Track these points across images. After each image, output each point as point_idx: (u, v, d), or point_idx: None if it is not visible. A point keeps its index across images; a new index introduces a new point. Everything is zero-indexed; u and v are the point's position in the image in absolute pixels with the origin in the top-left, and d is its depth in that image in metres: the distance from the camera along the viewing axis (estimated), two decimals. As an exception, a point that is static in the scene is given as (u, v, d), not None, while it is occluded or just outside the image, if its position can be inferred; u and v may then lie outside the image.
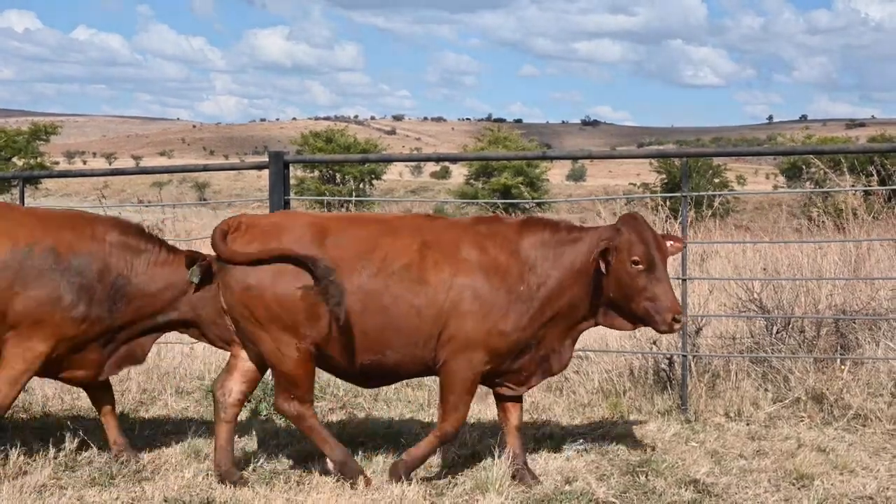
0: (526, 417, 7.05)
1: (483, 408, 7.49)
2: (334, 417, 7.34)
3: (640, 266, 5.41)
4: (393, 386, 8.17)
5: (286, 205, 7.96)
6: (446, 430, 5.57)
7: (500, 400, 5.82)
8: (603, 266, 5.37)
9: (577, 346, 6.87)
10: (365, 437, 6.58)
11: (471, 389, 5.53)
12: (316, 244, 5.43)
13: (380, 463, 5.94)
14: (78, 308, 5.64)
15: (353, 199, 13.03)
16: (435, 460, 6.09)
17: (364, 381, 5.80)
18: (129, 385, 7.98)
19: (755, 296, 8.34)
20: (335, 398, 7.92)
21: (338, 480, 5.54)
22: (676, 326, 5.47)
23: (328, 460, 5.64)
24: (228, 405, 5.72)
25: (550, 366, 5.70)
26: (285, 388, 5.54)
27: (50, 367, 5.80)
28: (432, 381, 8.21)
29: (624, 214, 5.70)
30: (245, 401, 5.85)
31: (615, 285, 5.46)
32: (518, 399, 5.80)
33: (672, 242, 5.65)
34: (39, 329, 5.60)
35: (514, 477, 5.62)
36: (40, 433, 6.53)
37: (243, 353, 5.73)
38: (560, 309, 5.53)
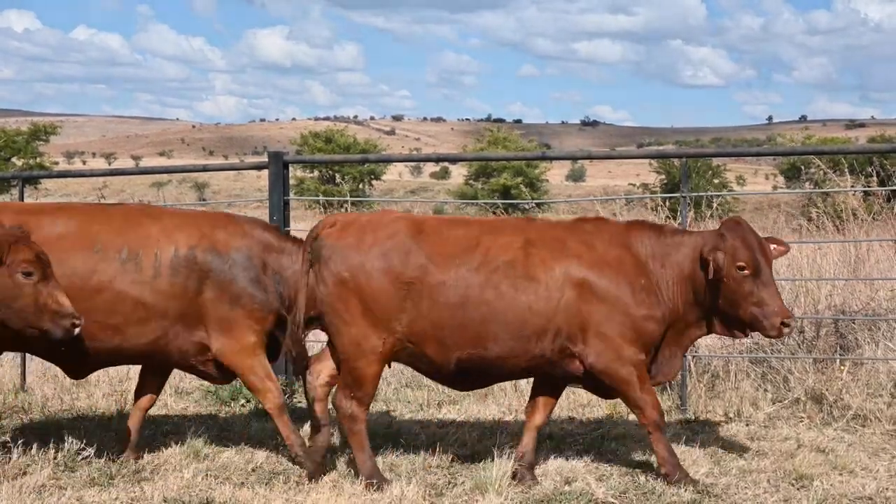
0: (524, 418, 7.06)
1: (482, 408, 7.49)
2: (334, 417, 7.32)
3: (746, 271, 5.39)
4: (392, 386, 8.17)
5: (285, 205, 7.97)
6: (653, 420, 5.58)
7: (535, 395, 5.82)
8: (711, 271, 5.35)
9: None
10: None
11: (641, 379, 5.51)
12: (412, 240, 5.50)
13: (379, 463, 5.93)
14: (256, 299, 5.88)
15: (350, 198, 12.99)
16: (434, 461, 6.10)
17: (460, 380, 5.79)
18: (128, 385, 7.97)
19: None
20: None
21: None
22: (786, 331, 5.44)
23: (358, 467, 5.65)
24: (318, 385, 5.81)
25: (660, 370, 5.69)
26: (349, 386, 5.58)
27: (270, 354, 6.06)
28: (431, 381, 8.21)
29: (727, 219, 5.71)
30: (333, 384, 5.87)
31: (721, 292, 5.44)
32: (553, 399, 5.81)
33: (776, 246, 5.62)
34: (234, 325, 5.85)
35: (514, 476, 5.62)
36: (40, 433, 6.53)
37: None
38: (671, 312, 5.54)
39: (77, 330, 5.38)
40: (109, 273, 5.73)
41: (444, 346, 5.49)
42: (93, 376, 8.00)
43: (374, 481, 5.54)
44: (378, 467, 5.71)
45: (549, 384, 5.80)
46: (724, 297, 5.46)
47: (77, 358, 5.88)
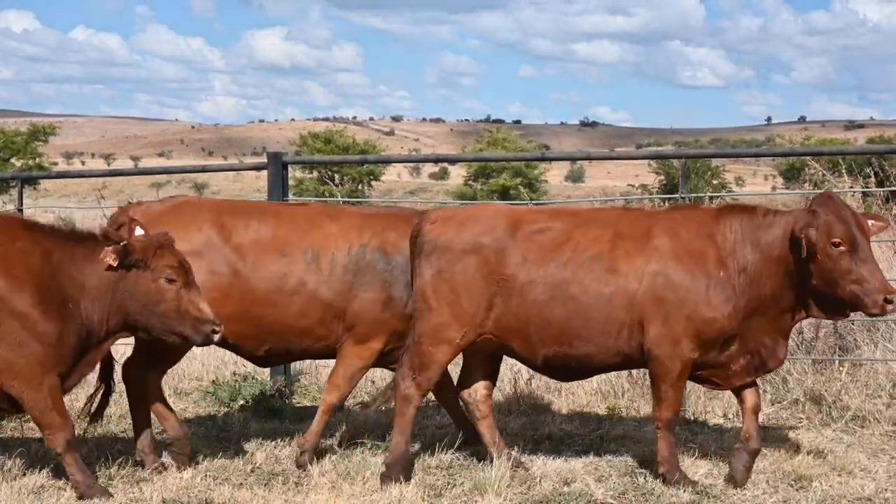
0: (524, 419, 7.07)
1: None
2: (332, 417, 7.31)
3: (842, 247, 5.20)
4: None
5: (285, 206, 7.95)
6: (667, 418, 5.59)
7: (736, 393, 5.76)
8: (804, 249, 5.17)
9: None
10: (364, 437, 6.57)
11: (680, 376, 5.52)
12: (508, 235, 5.56)
13: (378, 464, 5.94)
14: (407, 306, 5.89)
15: (344, 199, 13.00)
16: (433, 461, 6.09)
17: (552, 374, 5.87)
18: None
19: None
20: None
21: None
22: (889, 308, 5.22)
23: (389, 451, 5.75)
24: (479, 403, 5.91)
25: (763, 361, 5.59)
26: (415, 367, 5.66)
27: (381, 361, 6.18)
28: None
29: (819, 195, 5.53)
30: (491, 394, 5.98)
31: (817, 271, 5.25)
32: (754, 385, 5.70)
33: (874, 221, 5.43)
34: (377, 328, 5.94)
35: (734, 465, 5.64)
36: (39, 434, 6.52)
37: (476, 349, 5.80)
38: (762, 298, 5.42)
39: (217, 337, 5.46)
40: (298, 275, 5.86)
41: (530, 343, 5.55)
42: (91, 377, 8.00)
43: (396, 469, 5.58)
44: (410, 457, 5.78)
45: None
46: (820, 277, 5.25)
47: (272, 360, 6.23)
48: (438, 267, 5.61)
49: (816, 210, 5.29)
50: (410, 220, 6.04)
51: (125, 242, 5.34)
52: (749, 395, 5.68)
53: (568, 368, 5.68)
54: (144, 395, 6.03)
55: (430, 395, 7.87)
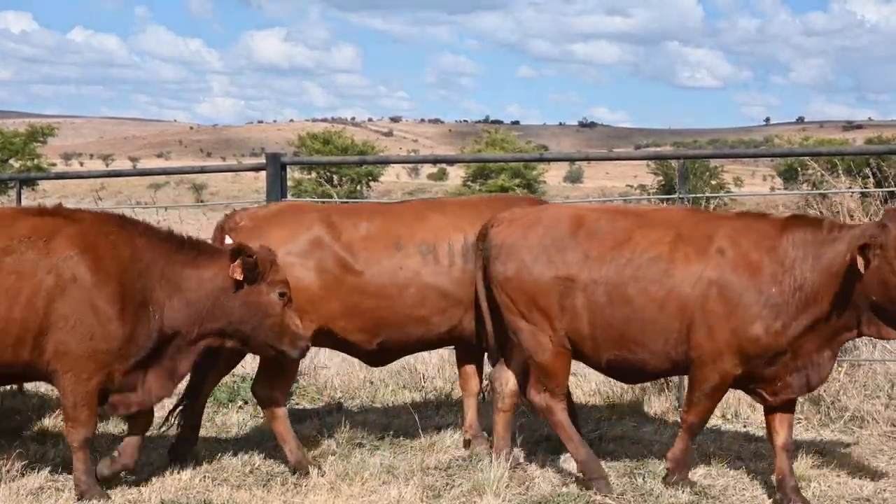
0: (524, 419, 7.06)
1: (481, 410, 7.47)
2: (332, 418, 7.32)
3: None
4: (390, 388, 8.16)
5: (283, 207, 7.95)
6: (691, 422, 5.53)
7: (768, 412, 5.51)
8: (861, 265, 4.91)
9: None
10: (363, 437, 6.57)
11: (717, 388, 5.38)
12: (570, 235, 5.51)
13: (377, 465, 5.94)
14: None
15: (342, 200, 13.00)
16: (433, 461, 6.09)
17: (616, 376, 5.81)
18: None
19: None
20: (332, 399, 7.92)
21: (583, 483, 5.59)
22: None
23: (574, 460, 5.71)
24: (506, 395, 5.91)
25: (808, 379, 5.35)
26: (539, 379, 5.64)
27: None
28: (429, 382, 8.21)
29: (890, 208, 5.35)
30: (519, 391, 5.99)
31: (880, 288, 4.96)
32: (788, 414, 5.46)
33: None
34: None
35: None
36: (38, 435, 6.52)
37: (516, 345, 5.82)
38: (818, 316, 5.17)
39: (306, 353, 5.65)
40: (413, 268, 5.98)
41: (597, 346, 5.48)
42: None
43: (592, 473, 5.55)
44: (595, 457, 5.69)
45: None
46: (883, 295, 4.96)
47: (384, 353, 6.27)
48: (507, 274, 5.58)
49: (887, 224, 5.00)
50: (517, 202, 6.36)
51: (255, 257, 5.41)
52: (781, 431, 5.43)
53: (628, 372, 5.61)
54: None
55: (431, 395, 7.89)
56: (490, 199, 6.65)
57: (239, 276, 5.38)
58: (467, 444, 6.31)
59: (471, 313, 6.05)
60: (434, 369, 8.32)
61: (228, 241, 5.73)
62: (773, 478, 5.47)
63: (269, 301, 5.46)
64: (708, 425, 6.98)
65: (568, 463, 6.04)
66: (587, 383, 7.97)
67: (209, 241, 5.86)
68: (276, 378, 6.01)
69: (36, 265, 5.18)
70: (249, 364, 7.28)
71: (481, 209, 6.20)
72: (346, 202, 13.45)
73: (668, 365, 5.48)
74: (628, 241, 5.42)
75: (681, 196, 7.68)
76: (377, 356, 6.31)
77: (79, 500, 5.36)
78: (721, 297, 5.22)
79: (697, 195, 11.04)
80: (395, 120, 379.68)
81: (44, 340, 5.19)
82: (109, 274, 5.25)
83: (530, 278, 5.52)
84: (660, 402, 7.46)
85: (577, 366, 8.37)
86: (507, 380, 5.93)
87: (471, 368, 6.43)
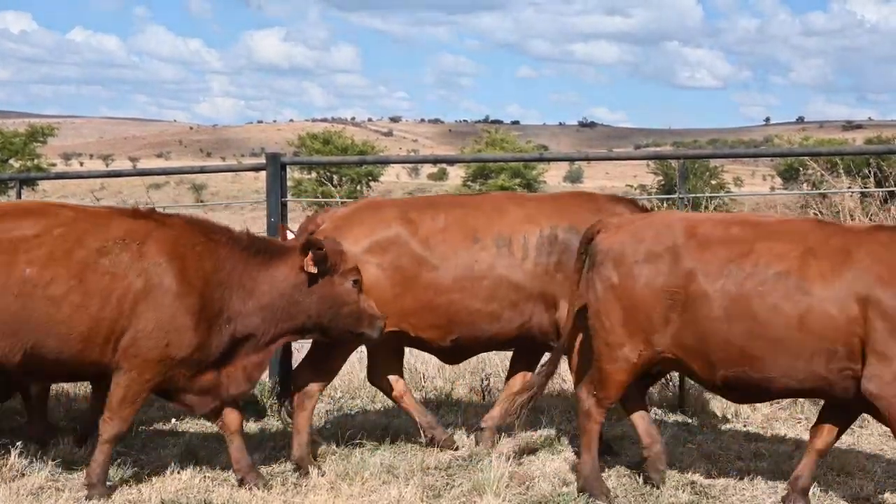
0: (523, 419, 7.06)
1: (480, 410, 7.48)
2: (332, 418, 7.33)
3: None
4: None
5: (283, 207, 7.96)
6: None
7: (822, 419, 5.36)
8: None
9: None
10: (362, 438, 6.57)
11: None
12: (683, 245, 5.23)
13: (377, 465, 5.94)
14: None
15: (342, 200, 13.01)
16: (433, 461, 6.09)
17: (731, 396, 5.49)
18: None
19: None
20: (332, 400, 7.91)
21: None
22: None
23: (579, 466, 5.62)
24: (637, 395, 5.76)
25: None
26: (595, 383, 5.47)
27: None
28: (429, 382, 8.21)
29: None
30: (645, 394, 5.93)
31: None
32: (841, 426, 5.31)
33: None
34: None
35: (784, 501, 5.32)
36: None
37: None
38: None
39: (384, 330, 5.78)
40: (488, 261, 6.01)
41: (709, 363, 5.16)
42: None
43: (592, 487, 5.46)
44: (600, 475, 5.57)
45: (838, 408, 5.28)
46: None
47: (458, 350, 6.28)
48: (611, 281, 5.33)
49: None
50: (597, 198, 6.34)
51: (324, 249, 5.54)
52: (823, 435, 5.31)
53: (748, 391, 5.30)
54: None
55: (431, 395, 7.89)
56: (572, 195, 6.62)
57: (314, 270, 5.54)
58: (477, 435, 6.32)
59: (540, 309, 6.06)
60: (434, 369, 8.33)
61: (290, 235, 5.80)
62: (797, 473, 5.35)
63: (345, 290, 5.63)
64: (707, 426, 7.01)
65: (568, 463, 6.05)
66: (587, 383, 7.96)
67: (277, 240, 5.99)
68: (320, 371, 6.12)
69: (128, 268, 5.30)
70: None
71: (562, 204, 6.23)
72: (346, 201, 13.46)
73: (808, 385, 5.09)
74: (749, 254, 5.10)
75: (680, 196, 7.68)
76: (452, 353, 6.36)
77: (87, 487, 5.41)
78: (882, 314, 4.85)
79: (697, 195, 11.05)
80: (394, 120, 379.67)
81: (122, 340, 5.29)
82: (193, 285, 5.36)
83: (636, 288, 5.24)
84: (660, 402, 7.46)
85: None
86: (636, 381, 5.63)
87: (521, 376, 6.46)
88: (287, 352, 7.15)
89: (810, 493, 5.46)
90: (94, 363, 5.35)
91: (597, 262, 5.42)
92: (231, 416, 5.68)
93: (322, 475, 5.77)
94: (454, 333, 6.10)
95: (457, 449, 6.35)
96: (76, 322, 5.20)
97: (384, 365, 6.52)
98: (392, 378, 6.52)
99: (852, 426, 6.83)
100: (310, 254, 5.53)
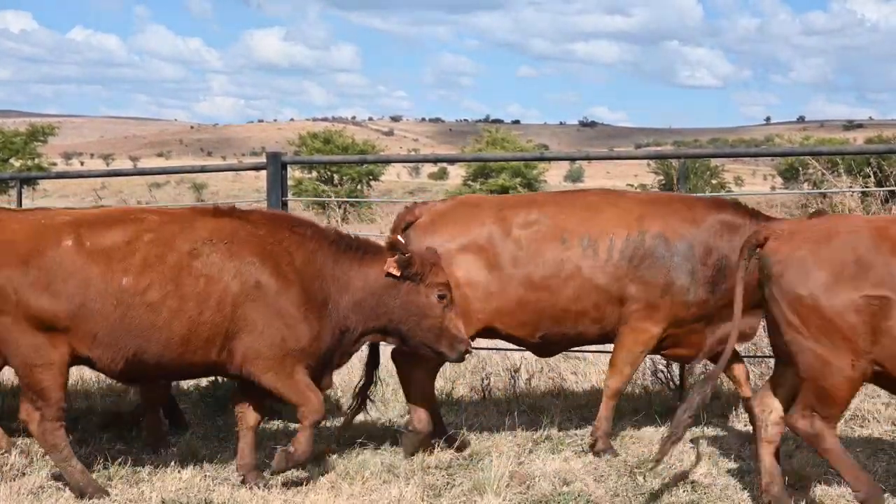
0: (523, 418, 7.06)
1: (480, 410, 7.48)
2: (332, 418, 7.32)
3: None
4: (391, 387, 8.14)
5: (283, 206, 7.97)
6: None
7: None
8: None
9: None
10: (364, 438, 6.57)
11: None
12: (876, 249, 4.84)
13: (378, 464, 5.94)
14: (689, 292, 6.04)
15: (342, 199, 12.99)
16: (433, 461, 6.09)
17: None
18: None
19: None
20: (332, 400, 7.91)
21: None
22: None
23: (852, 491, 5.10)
24: (770, 423, 5.30)
25: None
26: (810, 404, 4.99)
27: (658, 347, 6.29)
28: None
29: None
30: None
31: None
32: None
33: None
34: (654, 313, 6.03)
35: None
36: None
37: (787, 368, 5.22)
38: None
39: (466, 356, 5.83)
40: (574, 261, 6.06)
41: None
42: (88, 377, 8.02)
43: (870, 494, 4.99)
44: (870, 476, 5.16)
45: None
46: None
47: (548, 346, 6.35)
48: (798, 293, 4.90)
49: None
50: (694, 205, 6.25)
51: (409, 255, 5.56)
52: None
53: None
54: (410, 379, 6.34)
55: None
56: (671, 198, 6.53)
57: (395, 272, 5.55)
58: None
59: (618, 312, 6.10)
60: (434, 369, 8.31)
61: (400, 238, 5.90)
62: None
63: (428, 302, 5.61)
64: (708, 425, 7.01)
65: (568, 462, 6.05)
66: (587, 382, 7.97)
67: (371, 240, 6.02)
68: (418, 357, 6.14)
69: (221, 269, 5.34)
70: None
71: (656, 209, 6.21)
72: (346, 201, 13.44)
73: None
74: None
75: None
76: (542, 348, 6.42)
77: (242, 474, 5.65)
78: None
79: (698, 195, 11.07)
80: (395, 119, 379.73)
81: (232, 344, 5.37)
82: (289, 279, 5.41)
83: (829, 297, 4.84)
84: (660, 401, 7.46)
85: (577, 365, 8.41)
86: (772, 407, 5.29)
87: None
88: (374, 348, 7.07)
89: (810, 491, 5.46)
90: (205, 365, 5.47)
91: (775, 274, 5.01)
92: (252, 412, 5.72)
93: (322, 474, 5.76)
94: (541, 331, 6.18)
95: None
96: (176, 326, 5.26)
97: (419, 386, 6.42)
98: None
99: (853, 426, 6.86)
100: (395, 255, 5.57)
